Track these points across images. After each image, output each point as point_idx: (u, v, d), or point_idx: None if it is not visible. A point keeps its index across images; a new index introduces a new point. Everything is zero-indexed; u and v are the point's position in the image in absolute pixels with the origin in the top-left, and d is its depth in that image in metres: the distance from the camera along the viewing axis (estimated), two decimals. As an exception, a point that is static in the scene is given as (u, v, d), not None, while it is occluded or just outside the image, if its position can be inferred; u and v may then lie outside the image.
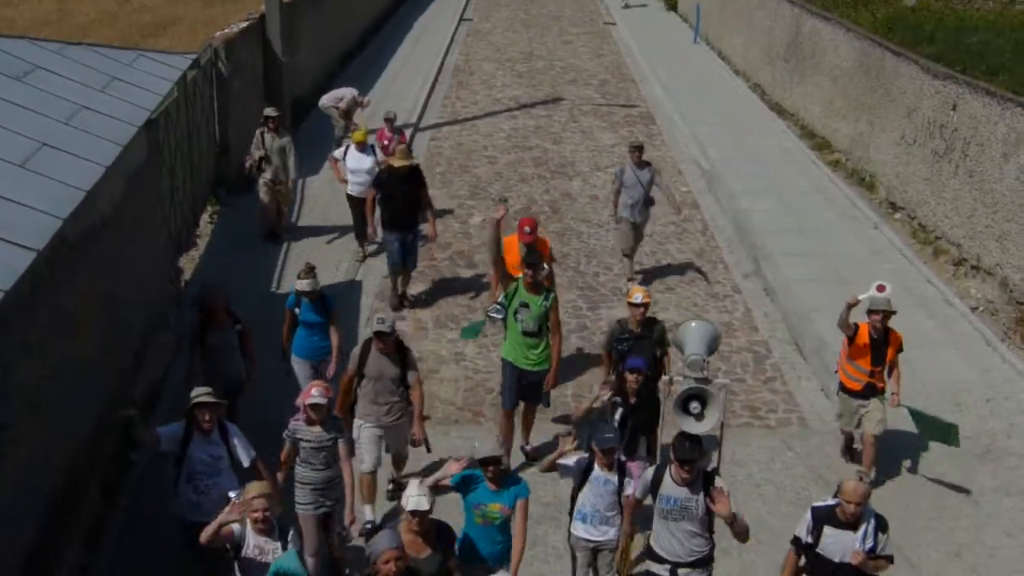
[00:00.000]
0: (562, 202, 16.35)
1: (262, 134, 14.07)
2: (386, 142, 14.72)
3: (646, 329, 9.00)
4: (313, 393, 7.46)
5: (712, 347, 8.08)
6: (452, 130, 20.36)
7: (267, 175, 14.02)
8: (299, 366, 9.64)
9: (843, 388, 9.33)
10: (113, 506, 8.62)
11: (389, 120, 15.30)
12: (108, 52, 11.09)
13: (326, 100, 17.49)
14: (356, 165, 13.43)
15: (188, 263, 13.26)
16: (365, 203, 12.91)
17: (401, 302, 12.66)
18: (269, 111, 14.32)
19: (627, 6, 37.27)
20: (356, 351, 8.50)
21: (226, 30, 16.63)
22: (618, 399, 8.18)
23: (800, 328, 12.07)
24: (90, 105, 9.35)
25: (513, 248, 10.24)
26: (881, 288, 8.72)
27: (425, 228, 12.66)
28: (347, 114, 17.16)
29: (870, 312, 8.90)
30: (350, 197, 13.64)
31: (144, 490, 8.92)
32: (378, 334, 8.24)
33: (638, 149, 12.86)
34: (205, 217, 14.55)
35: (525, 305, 9.02)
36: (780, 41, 22.21)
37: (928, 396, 10.58)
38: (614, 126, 20.78)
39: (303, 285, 9.31)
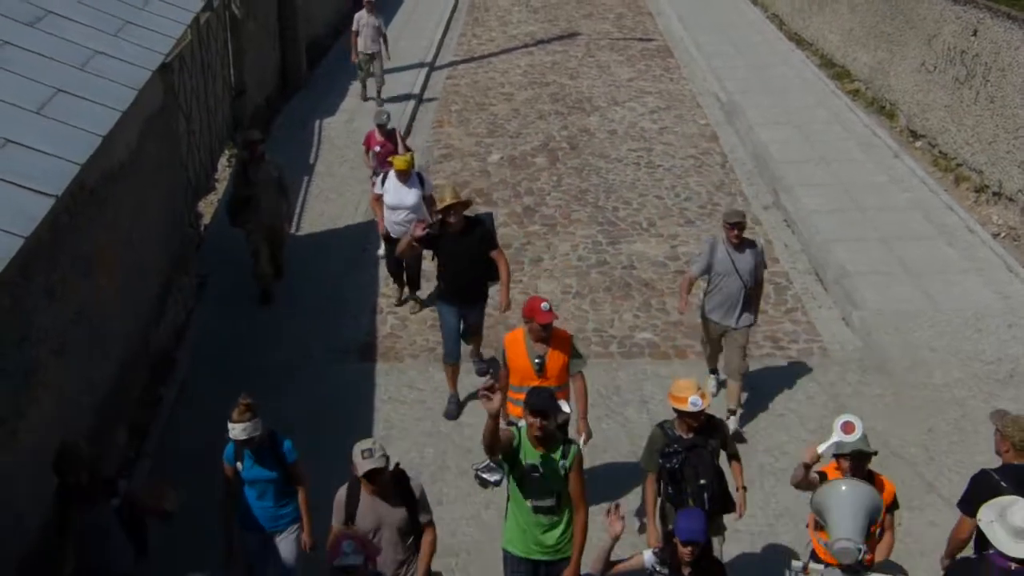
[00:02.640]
0: (580, 138, 16.21)
1: (243, 165, 11.01)
2: (378, 148, 12.25)
3: (702, 436, 6.57)
4: (344, 550, 5.35)
5: (872, 519, 5.43)
6: (468, 67, 20.16)
7: (259, 219, 10.83)
8: (249, 540, 6.73)
9: (817, 559, 6.04)
10: (140, 449, 8.71)
11: (381, 125, 12.35)
12: (120, -4, 10.97)
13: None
14: (396, 200, 10.54)
15: (207, 207, 13.26)
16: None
17: (459, 407, 9.44)
18: (251, 134, 11.23)
19: None
20: (340, 498, 6.07)
21: (238, -28, 16.45)
22: (664, 571, 5.67)
23: (820, 258, 11.98)
24: (104, 50, 9.28)
25: (520, 348, 7.41)
26: (849, 428, 5.88)
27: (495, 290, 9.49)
28: (370, 59, 17.00)
29: (838, 457, 6.15)
30: (388, 239, 10.85)
31: (171, 431, 9.02)
32: (369, 474, 5.84)
33: (736, 227, 8.66)
34: (223, 160, 14.52)
35: (535, 468, 6.07)
36: (798, -31, 21.80)
37: (949, 323, 10.52)
38: (631, 60, 20.51)
39: (238, 432, 6.38)
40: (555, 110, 17.54)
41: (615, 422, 9.24)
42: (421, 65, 19.67)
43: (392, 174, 10.58)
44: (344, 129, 16.13)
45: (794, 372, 10.01)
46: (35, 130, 7.37)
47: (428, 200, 10.52)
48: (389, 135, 12.28)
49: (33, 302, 6.87)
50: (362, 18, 16.85)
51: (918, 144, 15.27)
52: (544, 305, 7.16)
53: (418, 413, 9.39)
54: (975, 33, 13.75)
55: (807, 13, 21.11)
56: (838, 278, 11.46)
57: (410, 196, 10.53)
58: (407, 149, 12.00)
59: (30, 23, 8.86)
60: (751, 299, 8.85)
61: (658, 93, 18.40)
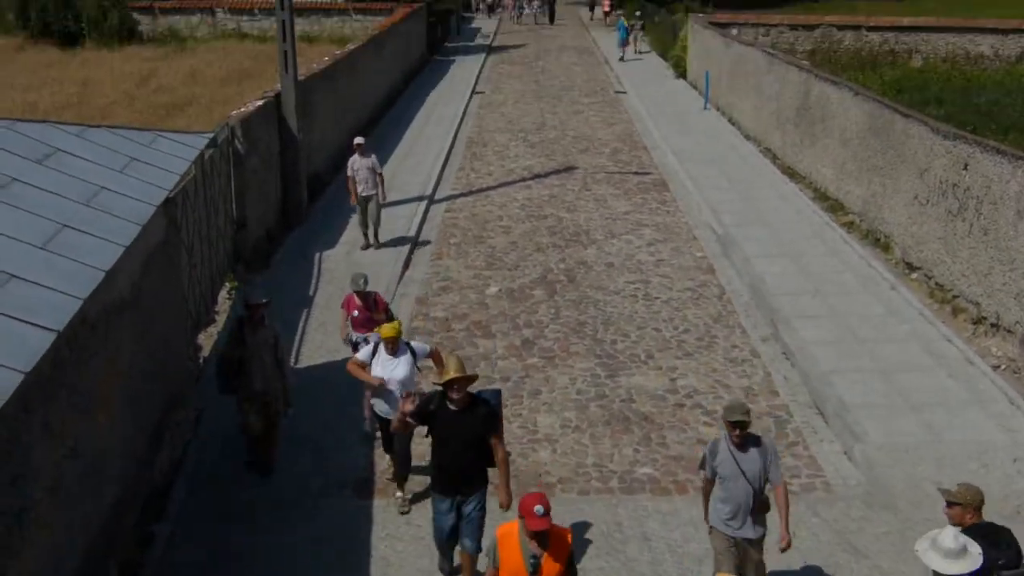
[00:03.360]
0: (578, 270, 16.36)
1: (240, 324, 10.24)
2: (356, 313, 11.39)
3: None
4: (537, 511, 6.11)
5: None
6: (467, 201, 20.49)
7: (251, 386, 10.06)
8: None
9: None
10: (133, 587, 8.53)
11: (360, 291, 11.37)
12: (127, 133, 11.25)
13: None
14: (386, 373, 9.64)
15: (206, 339, 13.29)
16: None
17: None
18: (254, 295, 10.52)
19: (622, 59, 38.62)
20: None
21: (242, 109, 16.88)
22: None
23: (820, 391, 11.97)
24: (109, 186, 9.46)
25: (513, 544, 6.67)
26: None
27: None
28: (366, 201, 16.85)
29: None
30: (380, 418, 10.05)
31: (164, 571, 8.84)
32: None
33: (737, 426, 7.63)
34: (223, 293, 14.61)
35: None
36: (790, 106, 22.36)
37: (953, 457, 10.44)
38: (627, 193, 20.86)
39: None
40: (553, 243, 17.75)
41: (617, 560, 9.09)
42: (420, 198, 19.99)
43: (380, 344, 9.68)
44: (344, 261, 16.30)
45: (797, 508, 9.88)
46: (39, 265, 7.46)
47: (434, 357, 9.81)
48: (368, 299, 11.40)
49: (31, 438, 6.83)
50: (355, 162, 16.80)
51: (914, 276, 15.42)
52: (538, 509, 6.36)
53: (417, 550, 9.24)
54: (966, 167, 14.04)
55: (799, 147, 21.58)
56: (839, 411, 11.42)
57: (400, 368, 9.59)
58: (390, 316, 11.22)
59: (38, 160, 9.05)
60: (761, 508, 7.88)
61: (655, 225, 18.66)
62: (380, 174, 17.00)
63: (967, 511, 6.77)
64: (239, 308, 10.68)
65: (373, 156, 17.13)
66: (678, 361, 13.03)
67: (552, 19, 59.10)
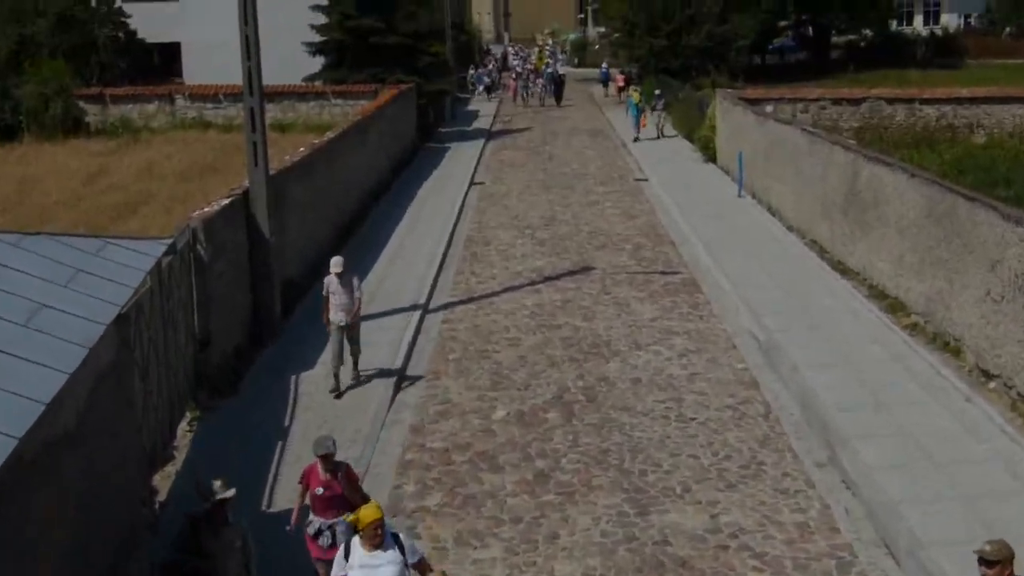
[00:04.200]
0: (599, 388, 16.28)
1: (193, 525, 9.44)
2: (321, 490, 10.18)
3: None
4: None
5: None
6: (467, 309, 20.51)
7: None
8: None
9: None
10: None
11: (325, 456, 10.20)
12: (72, 241, 11.28)
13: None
14: (368, 570, 8.53)
15: (163, 480, 13.15)
16: None
17: None
18: (217, 487, 9.44)
19: (637, 139, 39.59)
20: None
21: (205, 208, 17.02)
22: None
23: (889, 525, 11.77)
24: (51, 303, 9.44)
25: None
26: None
27: None
28: (341, 331, 16.06)
29: None
30: None
31: None
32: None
33: None
34: (183, 424, 14.52)
35: None
36: (836, 191, 22.53)
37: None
38: (653, 296, 20.90)
39: None
40: (569, 356, 17.70)
41: None
42: (413, 308, 20.02)
43: (355, 539, 8.55)
44: (324, 384, 16.22)
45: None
46: (-32, 399, 7.39)
47: (420, 568, 8.71)
48: (335, 471, 10.19)
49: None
50: (332, 283, 16.01)
51: (992, 385, 15.31)
52: None
53: None
54: (1046, 259, 14.05)
55: (851, 239, 21.67)
56: (912, 549, 11.21)
57: (387, 569, 8.45)
58: (364, 497, 10.10)
59: (-32, 275, 9.06)
60: None
61: (686, 333, 18.65)
62: (359, 298, 16.30)
63: (1005, 568, 7.33)
64: (194, 503, 9.61)
65: (355, 278, 16.38)
66: (719, 494, 12.86)
67: (560, 99, 60.06)
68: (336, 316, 16.05)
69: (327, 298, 16.15)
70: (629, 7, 58.80)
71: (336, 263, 16.16)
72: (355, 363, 16.47)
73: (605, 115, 52.64)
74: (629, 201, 30.52)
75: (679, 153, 38.32)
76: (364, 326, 17.07)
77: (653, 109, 43.20)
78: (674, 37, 54.98)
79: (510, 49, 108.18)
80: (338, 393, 15.90)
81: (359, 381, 16.33)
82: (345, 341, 16.10)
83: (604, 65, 68.58)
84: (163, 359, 13.47)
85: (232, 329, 17.12)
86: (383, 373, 16.80)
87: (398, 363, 17.21)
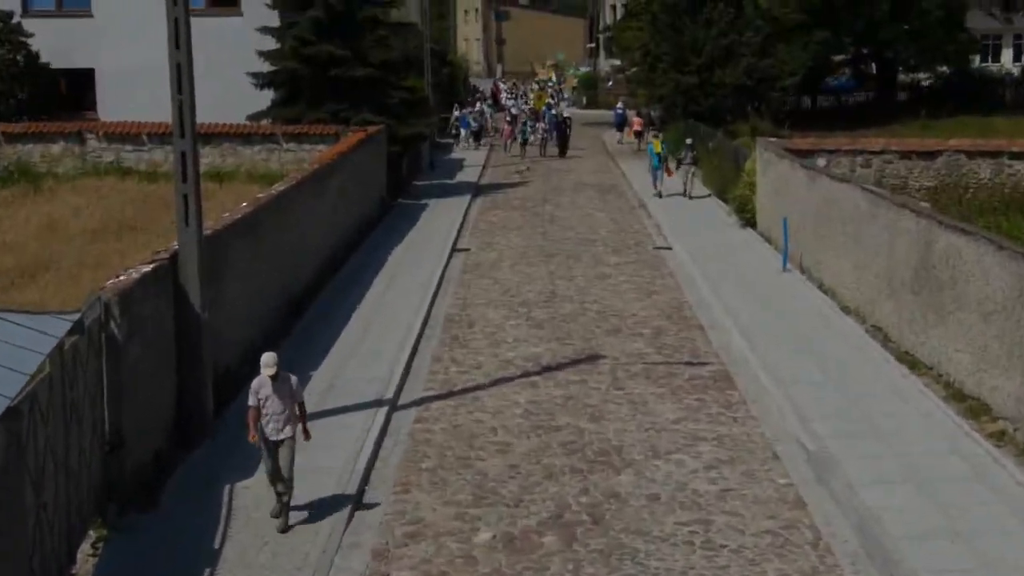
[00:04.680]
0: (607, 507, 16.23)
1: None
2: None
3: None
4: None
5: None
6: (446, 406, 20.48)
7: None
8: None
9: None
10: None
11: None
12: (-46, 315, 11.28)
13: None
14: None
15: (61, 615, 13.02)
16: None
17: None
18: None
19: (659, 195, 40.15)
20: None
21: (121, 276, 16.98)
22: None
23: None
24: (-75, 392, 9.41)
25: None
26: None
27: None
28: (275, 447, 15.17)
29: None
30: None
31: None
32: None
33: None
34: (86, 547, 14.40)
35: None
36: (905, 265, 22.61)
37: None
38: (676, 393, 20.89)
39: None
40: (570, 466, 17.66)
41: None
42: (378, 403, 19.99)
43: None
44: (266, 496, 16.13)
45: None
46: None
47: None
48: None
49: None
50: (262, 387, 15.33)
51: (1097, 511, 15.27)
52: None
53: None
54: None
55: (921, 324, 21.71)
56: None
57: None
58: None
59: None
60: None
61: (716, 440, 18.65)
62: (301, 403, 15.79)
63: None
64: None
65: (292, 379, 15.76)
66: (757, 642, 12.76)
67: (565, 148, 60.14)
68: (269, 428, 15.41)
69: (256, 409, 15.37)
70: (650, 35, 59.46)
71: (268, 361, 15.36)
72: (281, 500, 15.60)
73: (619, 167, 53.08)
74: (648, 274, 30.63)
75: (710, 215, 38.57)
76: (316, 425, 16.99)
77: (680, 163, 43.44)
78: (705, 72, 55.45)
79: (501, 84, 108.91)
80: (280, 516, 15.43)
81: (283, 528, 15.42)
82: (282, 461, 15.40)
83: (619, 105, 69.37)
84: (63, 464, 13.38)
85: (152, 427, 17.03)
86: (339, 483, 16.72)
87: (358, 471, 17.13)
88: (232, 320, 21.06)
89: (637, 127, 60.81)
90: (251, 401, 15.42)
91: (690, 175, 43.04)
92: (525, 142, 62.22)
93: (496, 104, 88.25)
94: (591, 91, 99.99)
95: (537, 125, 64.52)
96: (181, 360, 18.31)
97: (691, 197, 42.59)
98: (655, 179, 43.42)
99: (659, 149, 44.03)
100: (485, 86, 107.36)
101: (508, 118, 68.22)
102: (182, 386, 18.39)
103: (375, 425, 18.99)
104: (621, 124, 66.28)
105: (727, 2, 56.79)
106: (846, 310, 25.68)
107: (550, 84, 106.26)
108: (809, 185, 29.88)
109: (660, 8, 58.94)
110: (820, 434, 18.27)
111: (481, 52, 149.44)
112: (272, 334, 23.17)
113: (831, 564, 14.55)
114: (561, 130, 60.92)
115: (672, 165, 43.58)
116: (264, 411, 15.36)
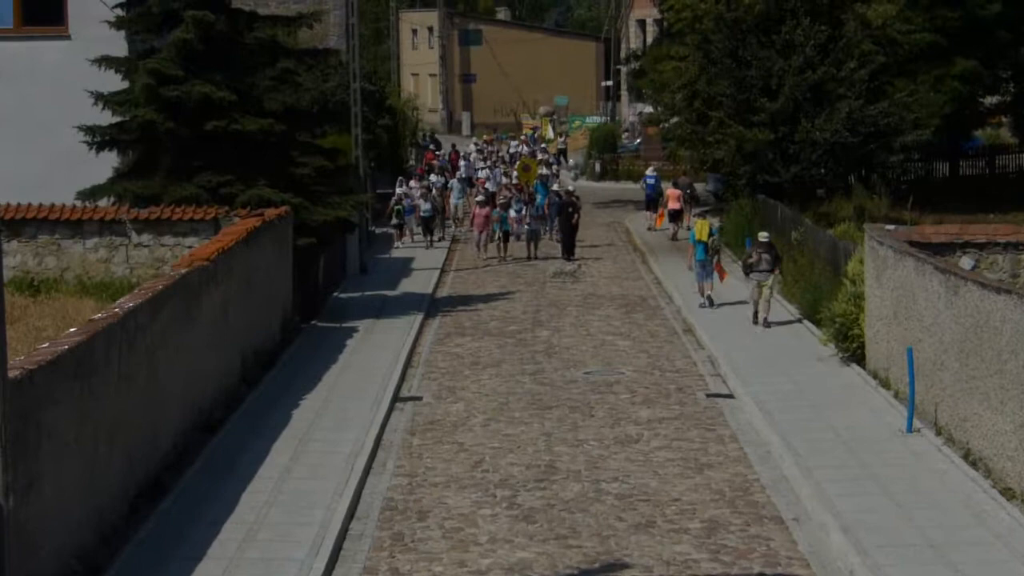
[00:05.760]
0: None
1: None
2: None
3: None
4: None
5: None
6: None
7: None
8: None
9: None
10: None
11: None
12: None
13: None
14: None
15: None
16: None
17: None
18: None
19: (710, 304, 42.64)
20: None
21: None
22: None
23: None
24: None
25: None
26: None
27: None
28: None
29: None
30: None
31: None
32: None
33: None
34: None
35: None
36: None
37: None
38: (742, 624, 20.88)
39: None
40: None
41: None
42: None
43: None
44: None
45: None
46: None
47: None
48: None
49: None
50: None
51: None
52: None
53: None
54: None
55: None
56: None
57: None
58: None
59: None
60: None
61: None
62: None
63: None
64: None
65: None
66: None
67: (571, 247, 58.35)
68: None
69: None
70: (700, 68, 58.33)
71: None
72: None
73: (652, 269, 53.23)
74: (697, 437, 30.59)
75: (793, 344, 38.62)
76: None
77: (751, 269, 41.67)
78: (785, 125, 54.20)
79: (469, 147, 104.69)
80: None
81: None
82: None
83: (650, 172, 68.43)
84: None
85: None
86: None
87: None
88: (50, 512, 20.99)
89: (673, 205, 60.21)
90: None
91: (765, 290, 41.70)
92: (507, 236, 60.09)
93: (466, 176, 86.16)
94: (609, 153, 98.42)
95: (523, 210, 61.46)
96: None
97: (768, 325, 41.94)
98: (700, 279, 43.49)
99: (704, 235, 43.82)
100: (447, 145, 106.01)
101: (480, 197, 65.41)
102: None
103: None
104: (653, 201, 65.60)
105: (817, 16, 55.52)
106: (1009, 495, 25.50)
107: (541, 145, 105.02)
108: (949, 299, 29.74)
109: (714, 26, 57.41)
110: None
111: (440, 92, 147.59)
112: (113, 534, 23.06)
113: None
114: (566, 216, 58.50)
115: (720, 257, 43.58)
116: None
